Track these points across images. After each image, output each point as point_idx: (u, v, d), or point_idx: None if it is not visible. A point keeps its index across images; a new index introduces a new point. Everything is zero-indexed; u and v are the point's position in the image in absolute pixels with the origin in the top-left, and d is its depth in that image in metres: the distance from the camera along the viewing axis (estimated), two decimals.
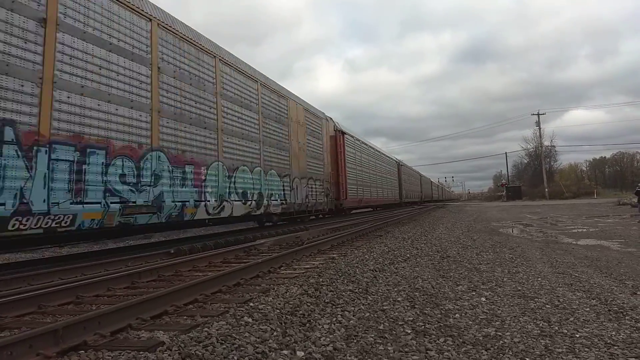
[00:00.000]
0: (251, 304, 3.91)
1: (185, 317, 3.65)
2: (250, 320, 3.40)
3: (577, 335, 3.26)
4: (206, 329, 3.18)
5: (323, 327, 3.35)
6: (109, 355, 2.76)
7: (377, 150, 27.78)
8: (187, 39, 9.04)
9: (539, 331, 3.35)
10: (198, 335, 3.04)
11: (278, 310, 3.67)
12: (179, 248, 7.58)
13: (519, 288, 4.86)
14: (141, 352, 2.77)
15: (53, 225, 5.80)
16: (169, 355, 2.72)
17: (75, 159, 6.17)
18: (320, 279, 5.00)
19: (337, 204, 17.78)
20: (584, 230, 13.34)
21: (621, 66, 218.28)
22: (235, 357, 2.71)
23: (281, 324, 3.36)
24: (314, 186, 15.32)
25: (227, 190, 9.93)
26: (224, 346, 2.86)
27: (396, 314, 3.75)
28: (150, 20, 7.98)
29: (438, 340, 3.14)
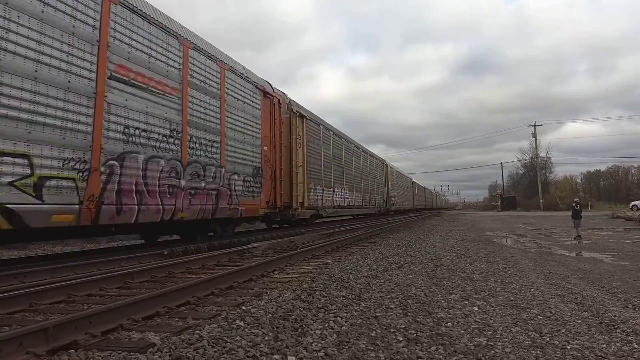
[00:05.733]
0: (243, 308, 3.90)
1: (176, 319, 3.63)
2: (242, 323, 3.39)
3: (569, 347, 3.27)
4: (197, 331, 3.17)
5: (315, 332, 3.35)
6: (99, 355, 2.75)
7: (402, 173, 41.89)
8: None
9: (530, 342, 3.36)
10: (189, 337, 3.03)
11: (270, 315, 3.66)
12: (172, 249, 7.54)
13: (512, 298, 4.88)
14: (132, 353, 2.75)
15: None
16: (160, 356, 2.71)
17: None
18: (314, 284, 4.99)
19: (387, 208, 31.57)
20: (578, 242, 13.39)
21: (619, 82, 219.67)
22: None
23: (273, 328, 3.35)
24: (379, 198, 28.50)
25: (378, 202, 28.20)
26: (215, 349, 2.85)
27: (388, 321, 3.75)
28: (303, 118, 15.13)
29: (430, 348, 3.14)
